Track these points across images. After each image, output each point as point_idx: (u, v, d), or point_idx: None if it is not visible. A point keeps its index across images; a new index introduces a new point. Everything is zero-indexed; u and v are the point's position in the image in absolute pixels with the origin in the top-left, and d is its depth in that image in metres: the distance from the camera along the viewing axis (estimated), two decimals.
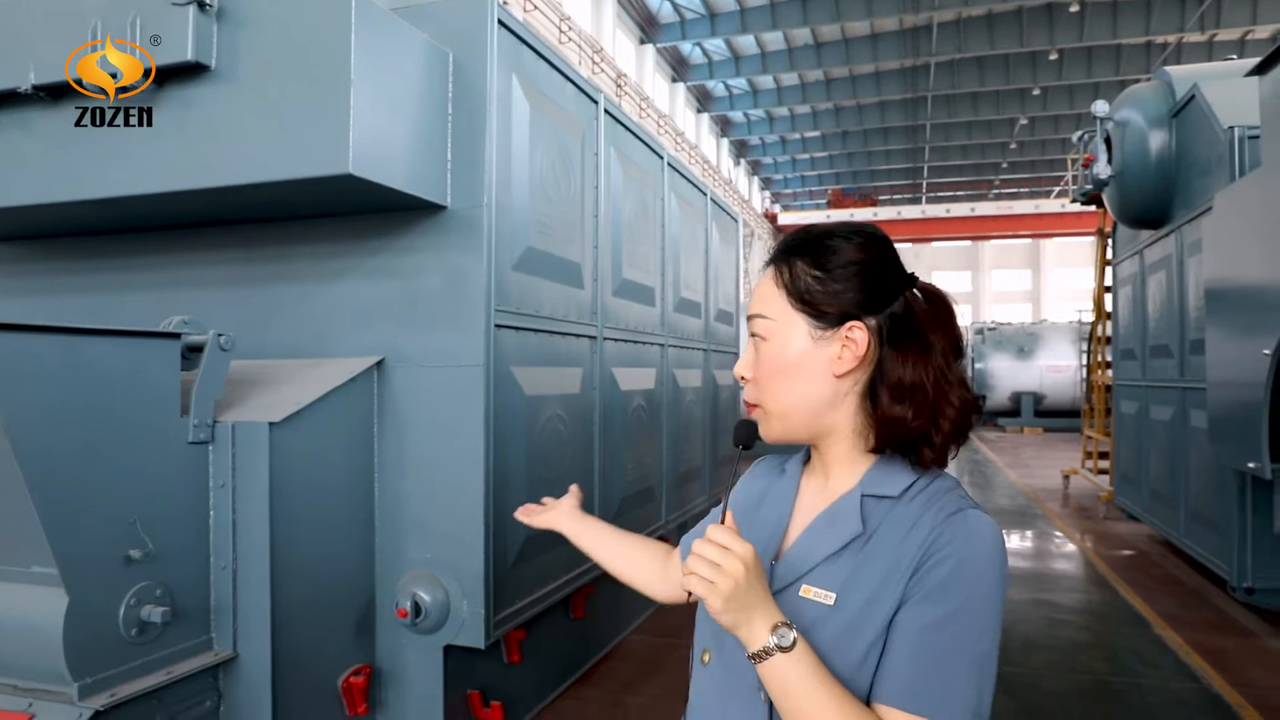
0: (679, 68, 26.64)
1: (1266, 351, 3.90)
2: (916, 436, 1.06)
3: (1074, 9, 21.26)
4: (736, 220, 6.97)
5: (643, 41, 23.89)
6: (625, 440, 4.24)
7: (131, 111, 2.57)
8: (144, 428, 2.29)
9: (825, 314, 1.10)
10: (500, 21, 2.95)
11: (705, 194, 5.96)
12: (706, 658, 1.19)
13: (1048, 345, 20.29)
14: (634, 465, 4.38)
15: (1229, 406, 4.45)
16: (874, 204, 38.39)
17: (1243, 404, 4.21)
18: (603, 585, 4.08)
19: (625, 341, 4.28)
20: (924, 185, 39.75)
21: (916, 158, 35.18)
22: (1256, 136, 4.71)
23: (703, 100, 29.67)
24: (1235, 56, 10.28)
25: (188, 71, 2.49)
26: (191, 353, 2.45)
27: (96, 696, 2.09)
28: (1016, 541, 7.43)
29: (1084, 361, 15.82)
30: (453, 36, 2.88)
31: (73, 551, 2.08)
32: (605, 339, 3.98)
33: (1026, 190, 39.79)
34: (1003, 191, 40.62)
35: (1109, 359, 8.89)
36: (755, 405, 1.17)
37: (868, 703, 0.98)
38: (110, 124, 2.60)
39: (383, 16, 2.53)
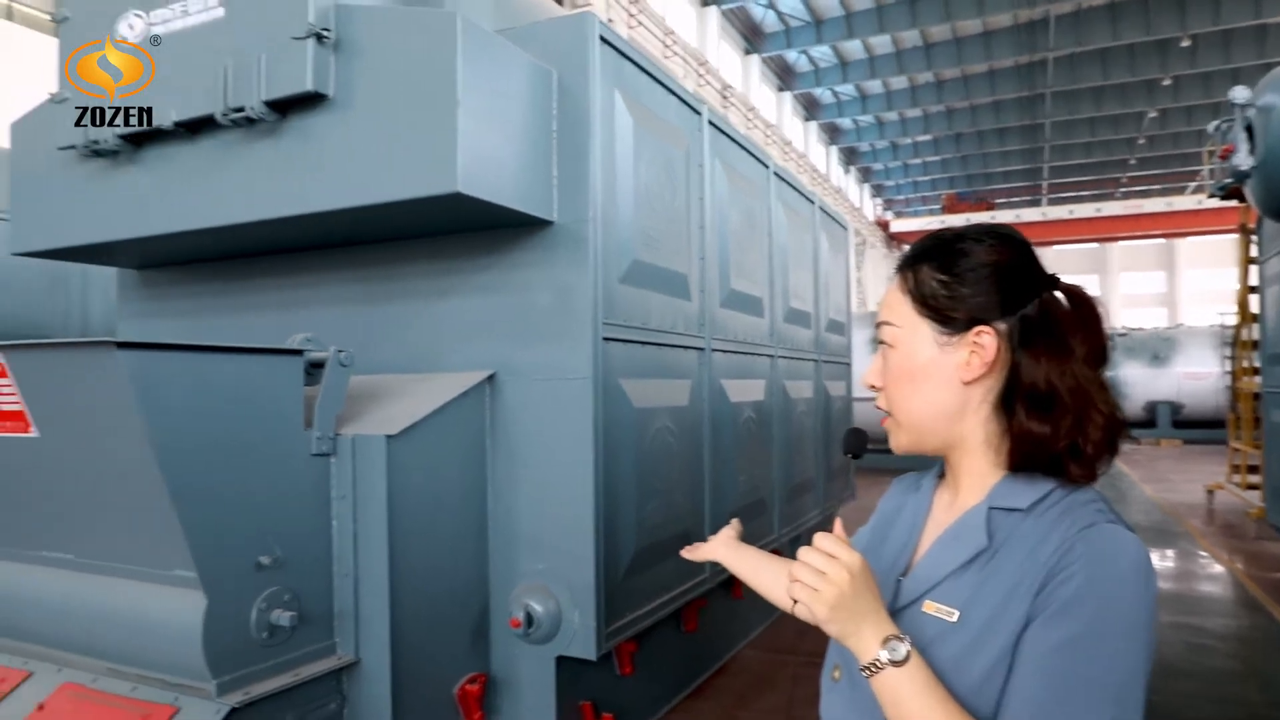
0: (785, 76, 26.45)
1: None
2: (1060, 450, 0.99)
3: None
4: (846, 228, 6.84)
5: (748, 52, 23.85)
6: (735, 452, 4.20)
7: (260, 141, 2.73)
8: (271, 441, 2.41)
9: (951, 319, 1.06)
10: (602, 38, 2.99)
11: (813, 202, 5.87)
12: (836, 674, 1.16)
13: (1185, 351, 18.97)
14: (745, 477, 4.33)
15: None
16: (990, 207, 37.03)
17: None
18: (715, 598, 4.04)
19: (734, 353, 4.24)
20: (1044, 186, 38.11)
21: (1035, 158, 33.77)
22: None
23: (810, 108, 29.36)
24: None
25: (308, 101, 2.62)
26: (314, 369, 2.56)
27: (233, 694, 2.20)
28: (1155, 561, 6.95)
29: (1227, 368, 14.76)
30: (556, 55, 2.94)
31: (210, 557, 2.20)
32: (713, 350, 3.95)
33: (1158, 187, 37.52)
34: (1131, 190, 38.48)
35: (1256, 364, 8.27)
36: (887, 415, 1.14)
37: None
38: (241, 154, 2.77)
39: (487, 39, 2.61)
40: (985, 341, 1.03)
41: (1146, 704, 0.90)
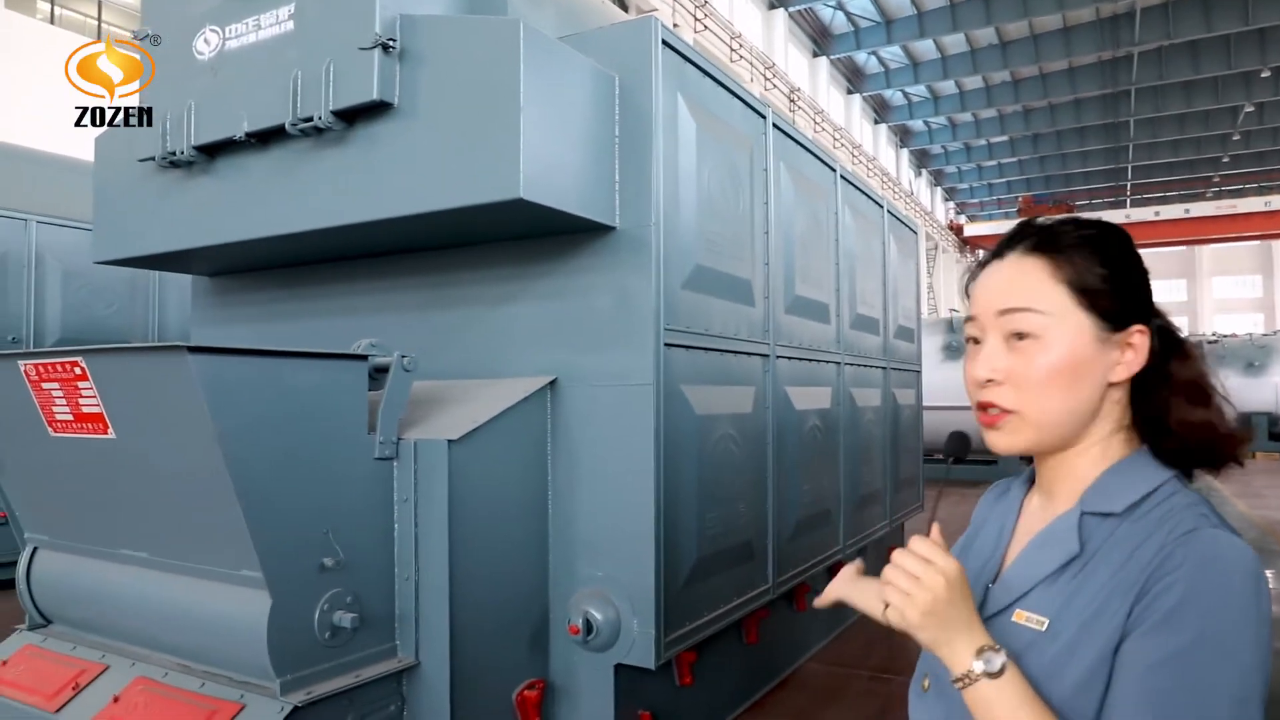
0: (854, 78, 26.08)
1: None
2: (1224, 435, 1.00)
3: None
4: (916, 233, 6.68)
5: (816, 54, 23.59)
6: (800, 461, 4.12)
7: (328, 149, 2.79)
8: (335, 444, 2.45)
9: (1115, 314, 1.00)
10: (665, 42, 2.97)
11: (881, 206, 5.75)
12: (926, 684, 1.11)
13: None
14: (810, 487, 4.24)
15: None
16: (1070, 210, 35.78)
17: None
18: (777, 610, 3.97)
19: (799, 359, 4.17)
20: (1128, 187, 36.76)
21: (1118, 157, 32.60)
22: None
23: (880, 111, 28.88)
24: None
25: (374, 110, 2.67)
26: (378, 374, 2.59)
27: (296, 693, 2.24)
28: None
29: None
30: (619, 60, 2.93)
31: (275, 557, 2.24)
32: (778, 357, 3.89)
33: (1254, 186, 35.80)
34: (1224, 189, 36.80)
35: None
36: (1002, 411, 1.02)
37: None
38: (310, 163, 2.83)
39: (550, 46, 2.61)
40: (1139, 342, 1.01)
41: None
